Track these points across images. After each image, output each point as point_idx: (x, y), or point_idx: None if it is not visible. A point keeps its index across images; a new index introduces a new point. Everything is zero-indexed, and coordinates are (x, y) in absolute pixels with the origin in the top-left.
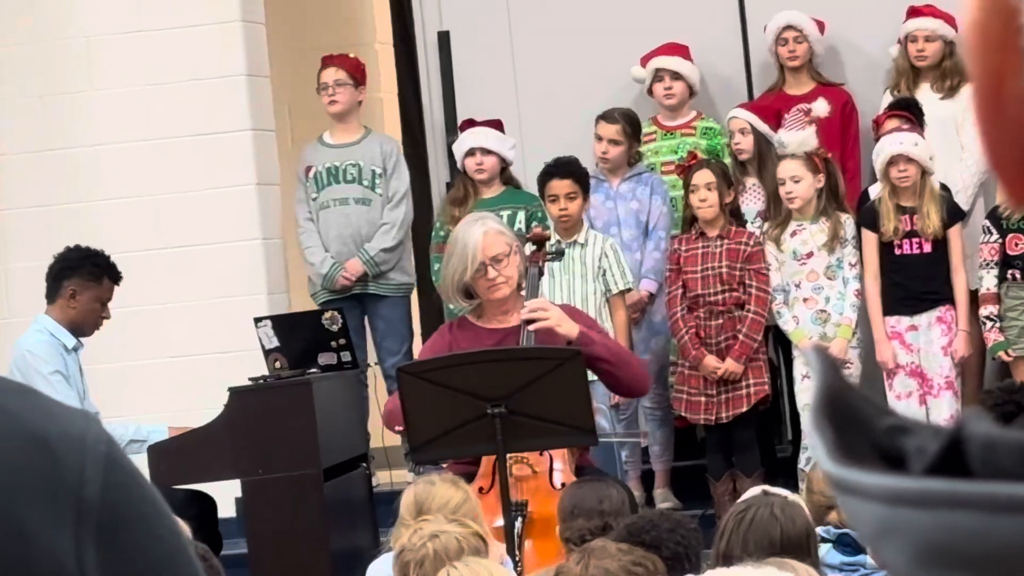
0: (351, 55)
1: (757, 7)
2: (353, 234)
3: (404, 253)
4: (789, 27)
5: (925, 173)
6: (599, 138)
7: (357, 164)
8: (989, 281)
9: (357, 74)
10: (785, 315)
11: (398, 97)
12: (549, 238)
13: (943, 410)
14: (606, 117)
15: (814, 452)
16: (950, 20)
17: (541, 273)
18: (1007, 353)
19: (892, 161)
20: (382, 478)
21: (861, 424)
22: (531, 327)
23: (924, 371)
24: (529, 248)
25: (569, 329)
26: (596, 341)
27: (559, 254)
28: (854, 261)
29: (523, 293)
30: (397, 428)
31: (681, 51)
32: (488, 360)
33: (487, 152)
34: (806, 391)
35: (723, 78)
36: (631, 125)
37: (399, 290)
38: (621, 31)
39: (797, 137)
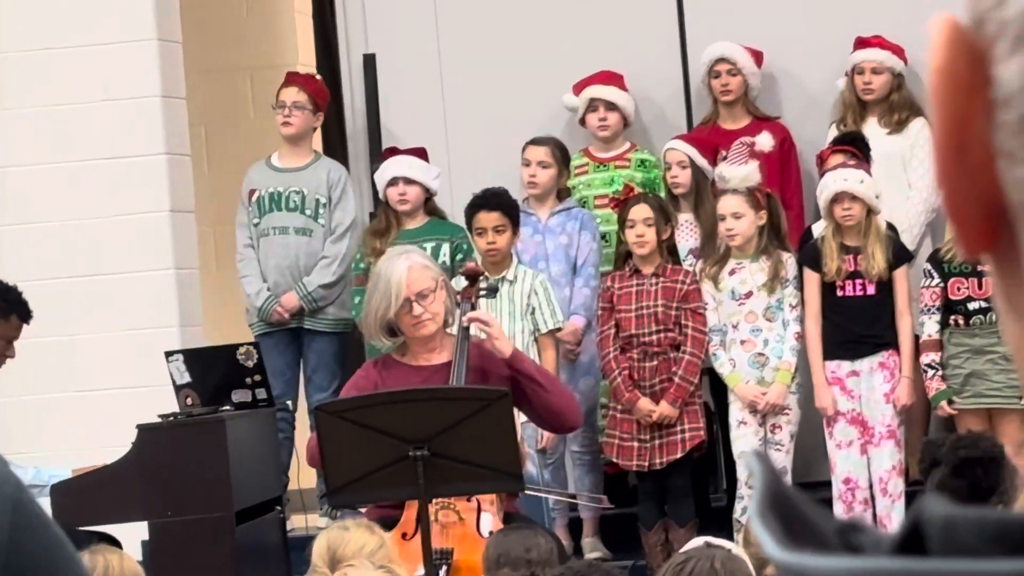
0: (317, 76)
1: (698, 34)
2: (291, 265)
3: (344, 288)
4: (722, 60)
5: (871, 212)
6: (527, 162)
7: (301, 191)
8: (931, 327)
9: (319, 99)
10: (721, 357)
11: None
12: (482, 273)
13: (884, 460)
14: (534, 141)
15: (761, 547)
16: (899, 52)
17: (473, 310)
18: (949, 402)
19: (836, 198)
20: (297, 522)
21: (809, 523)
22: (472, 333)
23: (865, 419)
24: (461, 284)
25: (504, 345)
26: (526, 359)
27: (492, 290)
28: (795, 302)
29: (450, 331)
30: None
31: (616, 80)
32: (411, 400)
33: (410, 182)
34: (742, 438)
35: (660, 108)
36: (560, 149)
37: (336, 325)
38: (556, 57)
39: (740, 172)
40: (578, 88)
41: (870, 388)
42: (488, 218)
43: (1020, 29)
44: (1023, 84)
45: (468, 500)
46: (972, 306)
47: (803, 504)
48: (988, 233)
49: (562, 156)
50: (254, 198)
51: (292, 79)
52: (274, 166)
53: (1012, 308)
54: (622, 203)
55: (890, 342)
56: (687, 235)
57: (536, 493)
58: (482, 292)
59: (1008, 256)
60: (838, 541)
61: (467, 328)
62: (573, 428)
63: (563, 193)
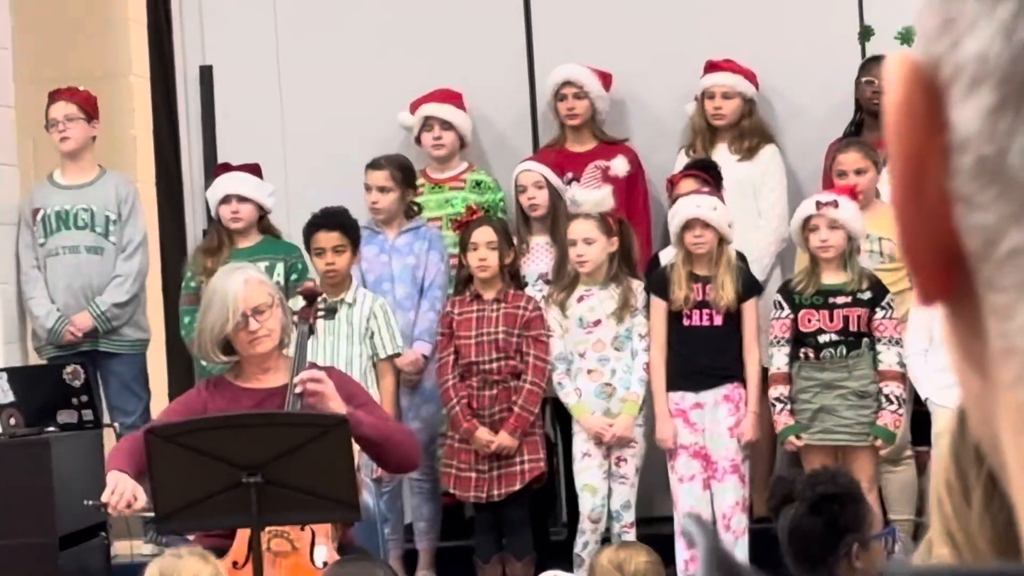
0: (80, 88)
1: (546, 55)
2: (83, 286)
3: (139, 307)
4: (568, 83)
5: (723, 240)
6: (368, 188)
7: (90, 208)
8: (780, 360)
9: (88, 108)
10: (567, 386)
11: (153, 135)
12: (321, 293)
13: (728, 496)
14: (373, 165)
15: None
16: (750, 76)
17: (311, 332)
18: (797, 437)
19: (688, 225)
20: (120, 549)
21: None
22: (298, 389)
23: (709, 453)
24: (299, 304)
25: (337, 408)
26: (363, 422)
27: (331, 312)
28: (644, 332)
29: (287, 352)
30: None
31: (453, 98)
32: (245, 424)
33: (243, 199)
34: (586, 470)
35: (503, 129)
36: (400, 170)
37: (133, 347)
38: (399, 73)
39: (593, 196)
40: (414, 106)
41: (714, 421)
42: (327, 238)
43: (975, 72)
44: (979, 128)
45: (302, 529)
46: (823, 339)
47: (749, 572)
48: (944, 279)
49: (404, 176)
50: (39, 217)
51: (57, 95)
52: (58, 183)
53: (968, 360)
54: (464, 225)
55: (736, 375)
56: (538, 259)
57: None
58: (320, 313)
59: (965, 305)
60: None
61: (299, 393)
62: (411, 470)
63: (412, 210)
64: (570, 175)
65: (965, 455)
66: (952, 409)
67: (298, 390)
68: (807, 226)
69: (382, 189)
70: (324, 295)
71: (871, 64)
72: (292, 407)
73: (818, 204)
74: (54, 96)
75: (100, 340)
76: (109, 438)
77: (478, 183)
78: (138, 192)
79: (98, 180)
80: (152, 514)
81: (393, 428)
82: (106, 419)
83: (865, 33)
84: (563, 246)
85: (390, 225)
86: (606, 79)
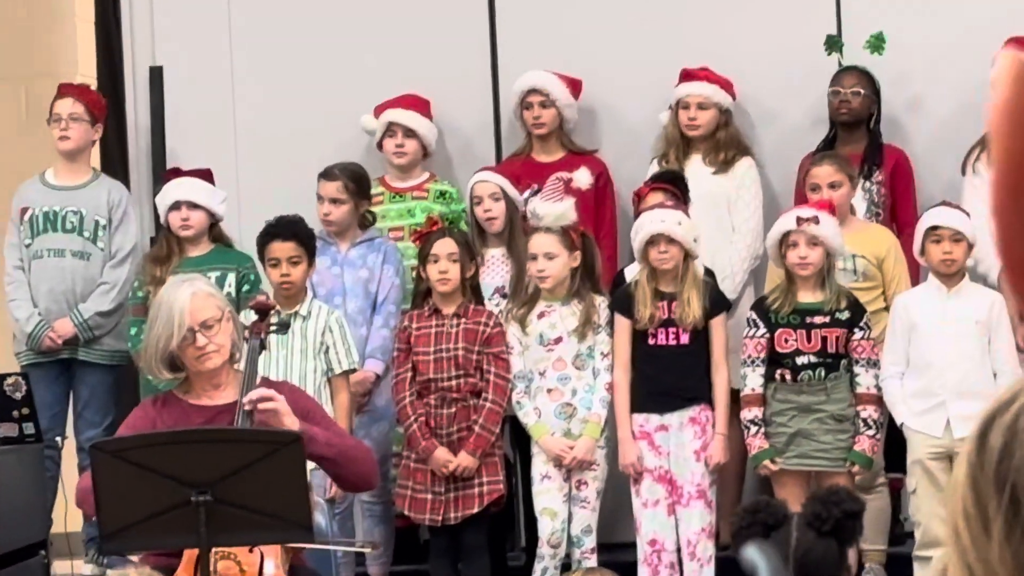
0: (92, 87)
1: (512, 61)
2: (67, 291)
3: (123, 317)
4: (534, 90)
5: (688, 256)
6: (320, 198)
7: (79, 212)
8: (754, 380)
9: (96, 111)
10: (526, 406)
11: (100, 138)
12: (274, 307)
13: (693, 522)
14: (325, 175)
15: None
16: (727, 86)
17: (263, 347)
18: (772, 462)
19: (652, 240)
20: (60, 568)
21: None
22: (248, 407)
23: (674, 477)
24: (250, 317)
25: (290, 425)
26: (319, 439)
27: (284, 326)
28: (607, 350)
29: (237, 367)
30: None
31: (420, 105)
32: (195, 440)
33: (193, 206)
34: (545, 493)
35: (467, 138)
36: (354, 181)
37: (112, 358)
38: (358, 77)
39: (555, 209)
40: (379, 110)
41: (680, 444)
42: (282, 248)
43: None
44: None
45: (251, 551)
46: (801, 360)
47: None
48: None
49: (358, 187)
50: (26, 217)
51: (66, 90)
52: (49, 183)
53: None
54: (424, 236)
55: (702, 396)
56: (493, 272)
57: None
58: (273, 328)
59: None
60: None
61: (250, 411)
62: (369, 488)
63: (366, 220)
64: (536, 186)
65: (984, 482)
66: (969, 434)
67: (247, 407)
68: (785, 242)
69: (335, 201)
70: (277, 309)
71: (841, 74)
72: (243, 422)
73: (798, 219)
74: (63, 91)
75: (79, 349)
76: (67, 457)
77: (443, 193)
78: (131, 199)
79: (91, 183)
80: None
81: (350, 444)
82: (69, 431)
83: (832, 44)
84: (520, 260)
85: (343, 236)
86: (575, 86)
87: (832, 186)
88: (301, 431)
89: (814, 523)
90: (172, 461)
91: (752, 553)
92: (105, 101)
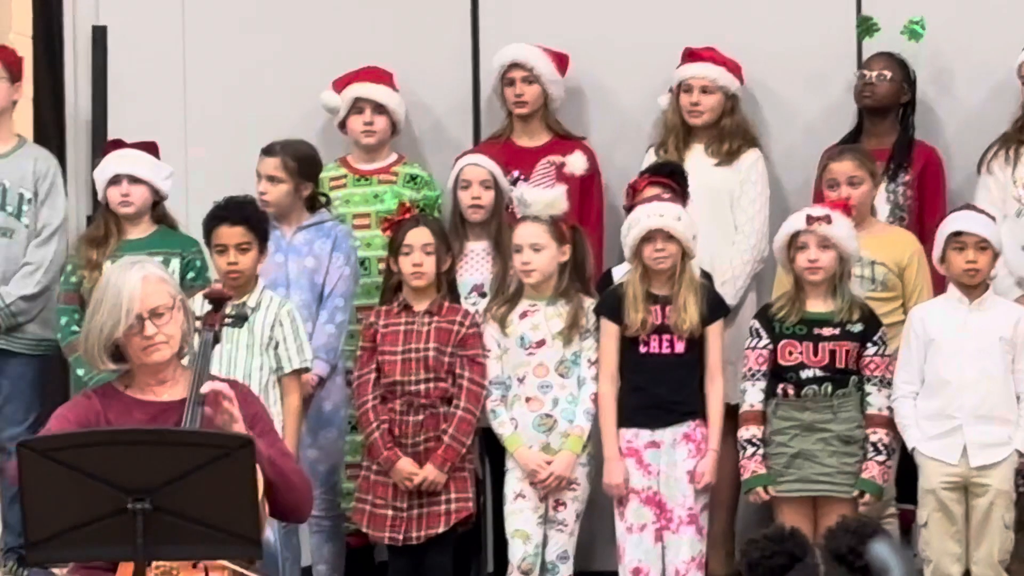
0: (5, 44)
1: (494, 34)
2: None
3: (49, 302)
4: (516, 65)
5: (685, 255)
6: (258, 176)
7: (1, 184)
8: (753, 396)
9: (13, 67)
10: (501, 415)
11: (33, 103)
12: (230, 297)
13: (682, 550)
14: (266, 151)
15: None
16: (735, 69)
17: (216, 340)
18: (765, 491)
19: (648, 237)
20: None
21: None
22: (204, 388)
23: (663, 499)
24: (204, 307)
25: (239, 431)
26: (261, 456)
27: (241, 319)
28: (594, 357)
29: (185, 363)
30: None
31: (386, 78)
32: (135, 441)
33: (135, 180)
34: (518, 513)
35: (439, 117)
36: (296, 159)
37: (37, 347)
38: (320, 47)
39: (544, 196)
40: (339, 84)
41: (671, 463)
42: (230, 233)
43: None
44: None
45: (194, 566)
46: (805, 374)
47: None
48: None
49: (300, 166)
50: None
51: None
52: None
53: None
54: (395, 225)
55: (697, 411)
56: (474, 267)
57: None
58: (228, 320)
59: None
60: None
61: (203, 394)
62: (299, 522)
63: (315, 202)
64: (516, 173)
65: None
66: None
67: (204, 391)
68: (794, 243)
69: (272, 179)
70: (234, 300)
71: (871, 59)
72: (191, 422)
73: (809, 219)
74: None
75: (0, 337)
76: None
77: (413, 177)
78: (60, 170)
79: (14, 152)
80: None
81: (291, 469)
82: None
83: (866, 27)
84: (505, 256)
85: (287, 220)
86: (561, 61)
87: (851, 183)
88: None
89: (848, 557)
90: (109, 463)
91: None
92: (22, 58)
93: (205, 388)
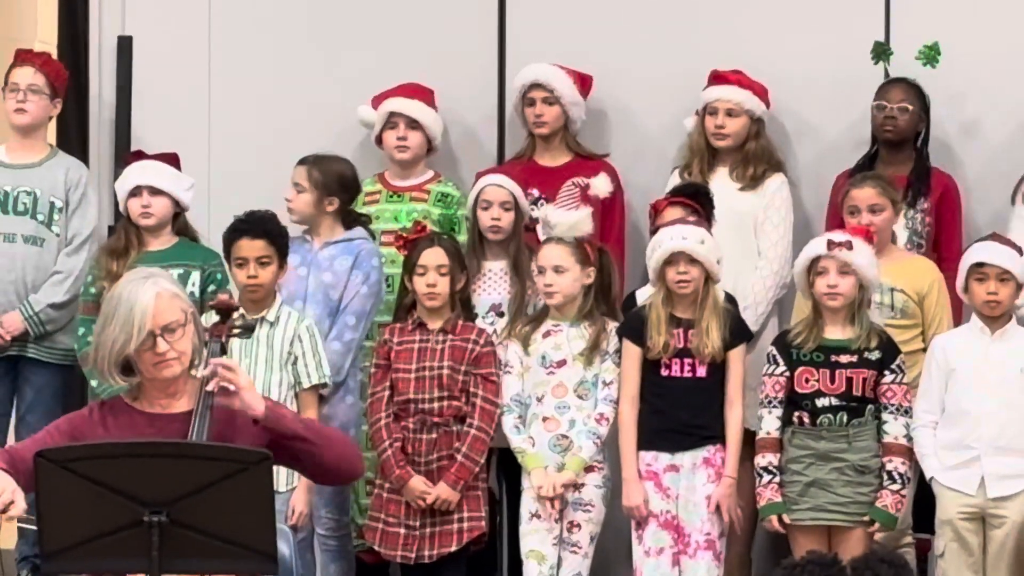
0: (55, 57)
1: (520, 53)
2: (16, 280)
3: (78, 311)
4: (537, 85)
5: (709, 279)
6: (292, 184)
7: (33, 192)
8: (770, 423)
9: (57, 84)
10: (521, 433)
11: (57, 114)
12: (237, 307)
13: (699, 575)
14: (301, 160)
15: None
16: (761, 93)
17: (223, 351)
18: (780, 519)
19: (671, 259)
20: None
21: None
22: (210, 386)
23: (681, 524)
24: (210, 318)
25: (253, 400)
26: (288, 416)
27: (248, 329)
28: (609, 379)
29: (195, 374)
30: None
31: (424, 95)
32: (153, 454)
33: (156, 192)
34: (533, 534)
35: (468, 136)
36: (323, 172)
37: (65, 357)
38: (353, 61)
39: (569, 218)
40: (377, 100)
41: (690, 488)
42: (251, 247)
43: None
44: None
45: None
46: (821, 402)
47: None
48: None
49: (327, 180)
50: None
51: (26, 57)
52: (1, 161)
53: None
54: (411, 243)
55: (718, 435)
56: (492, 287)
57: None
58: (235, 331)
59: None
60: None
61: (210, 392)
62: (354, 477)
63: (352, 220)
64: (536, 193)
65: None
66: None
67: (210, 387)
68: (814, 268)
69: (296, 186)
70: (241, 310)
71: (887, 86)
72: (200, 419)
73: (830, 244)
74: (23, 58)
75: (28, 346)
76: None
77: (444, 196)
78: (89, 180)
79: (47, 161)
80: (33, 526)
81: (326, 428)
82: (11, 437)
83: (880, 52)
84: (524, 277)
85: (317, 233)
86: (584, 82)
87: (872, 210)
88: (267, 409)
89: None
90: (126, 475)
91: None
92: (68, 74)
93: (210, 385)
